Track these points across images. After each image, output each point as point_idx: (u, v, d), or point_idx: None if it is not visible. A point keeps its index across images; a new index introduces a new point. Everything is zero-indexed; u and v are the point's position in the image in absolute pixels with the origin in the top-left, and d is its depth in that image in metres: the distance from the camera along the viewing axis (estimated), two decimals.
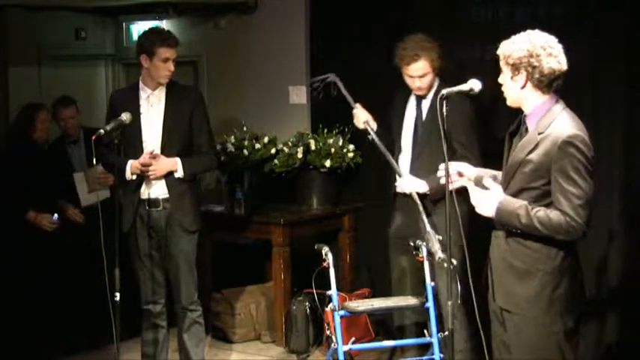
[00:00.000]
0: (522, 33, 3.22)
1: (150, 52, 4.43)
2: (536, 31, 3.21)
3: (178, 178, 4.50)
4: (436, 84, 4.50)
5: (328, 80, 4.81)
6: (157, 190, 4.52)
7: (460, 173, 3.49)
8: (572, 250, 3.22)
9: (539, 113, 3.19)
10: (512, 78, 3.19)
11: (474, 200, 3.29)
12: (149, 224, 4.54)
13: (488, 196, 3.24)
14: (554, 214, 3.08)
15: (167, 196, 4.52)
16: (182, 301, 4.62)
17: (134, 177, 4.47)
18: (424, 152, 4.46)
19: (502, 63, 3.23)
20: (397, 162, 4.56)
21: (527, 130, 3.24)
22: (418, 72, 4.42)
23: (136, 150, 4.46)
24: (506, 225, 3.21)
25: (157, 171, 4.44)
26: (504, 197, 3.21)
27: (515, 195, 3.21)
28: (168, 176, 4.49)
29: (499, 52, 3.25)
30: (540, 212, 3.10)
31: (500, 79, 3.27)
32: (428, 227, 4.17)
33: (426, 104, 4.52)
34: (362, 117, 4.62)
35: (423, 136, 4.48)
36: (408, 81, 4.50)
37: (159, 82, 4.50)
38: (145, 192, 4.52)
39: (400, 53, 4.43)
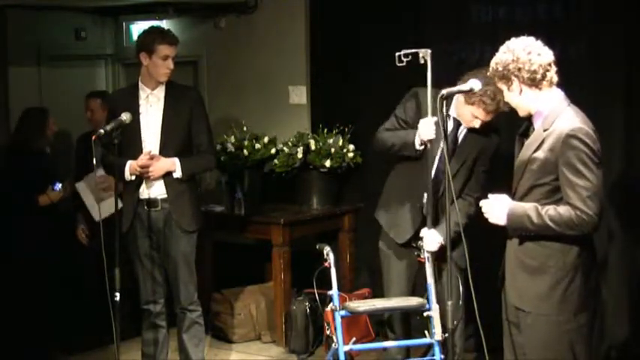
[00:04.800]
0: (501, 46, 3.28)
1: (150, 49, 4.43)
2: (513, 39, 3.27)
3: (177, 178, 4.50)
4: None
5: (420, 54, 3.90)
6: (156, 191, 4.52)
7: None
8: (588, 246, 3.23)
9: (544, 111, 3.22)
10: (509, 89, 3.24)
11: (485, 210, 3.30)
12: (148, 224, 4.54)
13: (498, 204, 3.25)
14: (563, 210, 3.09)
15: (165, 196, 4.52)
16: (182, 301, 4.62)
17: (133, 177, 4.47)
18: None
19: (496, 82, 3.28)
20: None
21: (534, 129, 3.27)
22: (486, 118, 4.06)
23: (136, 150, 4.46)
24: (518, 230, 3.22)
25: (156, 171, 4.44)
26: (513, 202, 3.23)
27: (527, 193, 3.22)
28: (167, 176, 4.50)
29: (490, 74, 3.32)
30: (550, 210, 3.11)
31: (506, 98, 3.31)
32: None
33: (463, 128, 4.24)
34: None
35: (454, 163, 4.16)
36: (467, 116, 4.10)
37: (158, 80, 4.50)
38: (144, 192, 4.52)
39: (484, 100, 3.90)
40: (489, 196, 3.32)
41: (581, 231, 3.10)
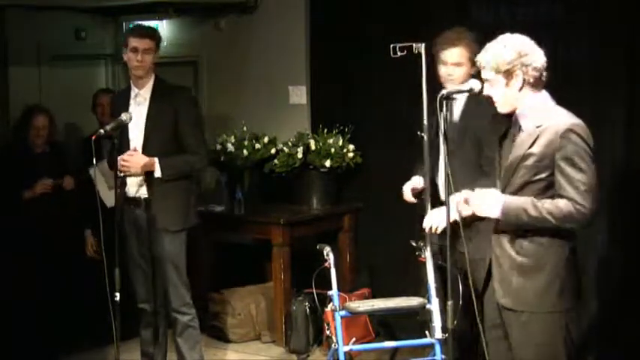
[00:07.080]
0: (494, 41, 3.23)
1: (125, 45, 4.50)
2: (507, 35, 3.24)
3: (158, 177, 4.47)
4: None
5: (414, 47, 4.05)
6: (140, 190, 4.51)
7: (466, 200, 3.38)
8: (575, 244, 3.24)
9: (534, 110, 3.21)
10: (507, 85, 3.20)
11: (474, 203, 3.27)
12: (135, 223, 4.53)
13: (491, 197, 3.22)
14: (562, 203, 3.09)
15: (147, 195, 4.51)
16: (172, 303, 4.57)
17: (121, 174, 4.45)
18: (456, 154, 4.08)
19: (489, 74, 3.23)
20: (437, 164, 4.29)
21: (520, 129, 3.24)
22: (453, 59, 4.13)
23: (125, 149, 4.45)
24: (511, 224, 3.20)
25: (132, 165, 4.37)
26: (506, 195, 3.21)
27: (518, 191, 3.20)
28: (149, 176, 4.47)
29: (481, 65, 3.25)
30: (547, 204, 3.11)
31: (488, 91, 3.27)
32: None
33: (457, 105, 4.23)
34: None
35: (454, 138, 4.13)
36: (441, 71, 4.20)
37: (134, 74, 4.52)
38: (130, 191, 4.52)
39: (438, 40, 4.20)
40: (476, 189, 3.29)
41: (578, 225, 3.12)
